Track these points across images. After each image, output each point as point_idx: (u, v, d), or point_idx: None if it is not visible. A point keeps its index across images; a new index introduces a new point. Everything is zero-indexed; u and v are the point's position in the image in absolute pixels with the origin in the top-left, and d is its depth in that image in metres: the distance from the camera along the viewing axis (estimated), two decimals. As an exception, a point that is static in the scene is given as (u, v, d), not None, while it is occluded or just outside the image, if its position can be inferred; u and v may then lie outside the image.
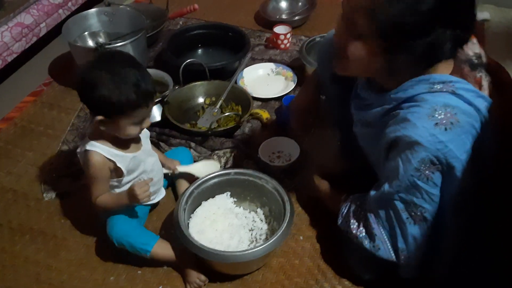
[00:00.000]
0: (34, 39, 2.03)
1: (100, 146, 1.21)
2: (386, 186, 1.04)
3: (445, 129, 0.93)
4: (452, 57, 0.98)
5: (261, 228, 1.36)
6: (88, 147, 1.21)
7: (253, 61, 2.07)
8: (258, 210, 1.41)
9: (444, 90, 0.96)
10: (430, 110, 0.94)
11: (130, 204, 1.24)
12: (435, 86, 0.96)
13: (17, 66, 2.07)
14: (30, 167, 1.64)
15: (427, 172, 0.96)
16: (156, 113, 1.73)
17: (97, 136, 1.22)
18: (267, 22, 2.30)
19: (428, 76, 0.98)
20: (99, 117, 1.16)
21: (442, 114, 0.93)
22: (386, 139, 1.01)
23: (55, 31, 2.11)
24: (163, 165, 1.44)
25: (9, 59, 1.93)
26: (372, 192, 1.10)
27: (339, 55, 1.04)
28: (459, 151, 0.94)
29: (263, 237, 1.33)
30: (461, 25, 0.91)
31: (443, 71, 0.99)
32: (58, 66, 2.12)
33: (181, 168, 1.46)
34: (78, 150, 1.26)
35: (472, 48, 1.03)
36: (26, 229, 1.44)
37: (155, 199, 1.41)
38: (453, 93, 0.95)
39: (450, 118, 0.93)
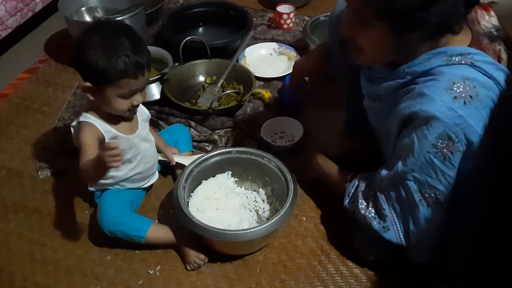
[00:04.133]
0: (30, 14, 1.97)
1: (94, 118, 1.18)
2: (399, 165, 0.99)
3: (464, 102, 0.88)
4: (463, 20, 0.93)
5: (263, 208, 1.32)
6: (82, 118, 1.17)
7: (255, 40, 2.02)
8: (260, 190, 1.37)
9: (463, 62, 0.91)
10: (448, 83, 0.89)
11: (103, 170, 1.08)
12: (453, 59, 0.92)
13: (12, 42, 2.01)
14: (25, 144, 1.60)
15: (444, 150, 0.92)
16: (155, 91, 1.69)
17: (92, 110, 1.19)
18: (269, 1, 2.25)
19: (445, 48, 0.93)
20: (87, 84, 1.13)
21: (461, 87, 0.89)
22: (399, 116, 0.96)
23: (52, 7, 2.06)
24: (160, 152, 1.40)
25: (4, 34, 1.88)
26: (384, 172, 1.05)
27: (353, 47, 1.00)
28: (478, 126, 0.89)
29: (265, 217, 1.29)
30: None
31: (460, 43, 0.94)
32: (54, 43, 2.07)
33: (178, 159, 1.41)
34: (73, 123, 1.21)
35: (491, 21, 0.98)
36: (20, 207, 1.40)
37: (148, 183, 1.37)
38: (472, 65, 0.91)
39: (469, 92, 0.89)
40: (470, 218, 1.00)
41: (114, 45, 1.09)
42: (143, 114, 1.30)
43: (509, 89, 0.92)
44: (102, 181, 1.23)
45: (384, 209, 1.06)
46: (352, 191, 1.15)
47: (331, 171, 1.29)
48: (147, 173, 1.34)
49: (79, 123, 1.18)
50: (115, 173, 1.24)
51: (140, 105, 1.23)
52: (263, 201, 1.35)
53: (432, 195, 0.98)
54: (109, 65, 1.08)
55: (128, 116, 1.23)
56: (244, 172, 1.38)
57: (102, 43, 1.09)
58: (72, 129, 1.22)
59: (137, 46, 1.12)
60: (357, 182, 1.15)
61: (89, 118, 1.17)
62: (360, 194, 1.12)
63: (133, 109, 1.19)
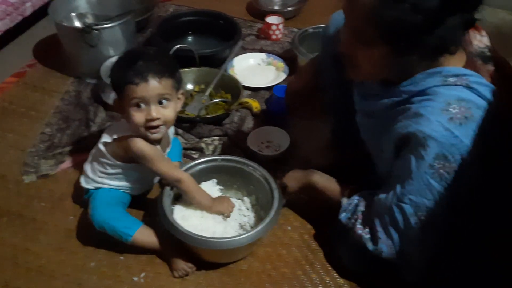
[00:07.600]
0: (19, 18, 1.96)
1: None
2: (398, 188, 1.00)
3: (460, 123, 0.90)
4: (461, 42, 0.95)
5: (248, 217, 1.33)
6: (125, 133, 1.19)
7: (244, 50, 2.04)
8: (245, 198, 1.38)
9: (458, 83, 0.93)
10: (443, 104, 0.91)
11: (208, 208, 1.26)
12: (449, 79, 0.94)
13: (0, 46, 2.00)
14: (10, 148, 1.59)
15: (441, 170, 0.93)
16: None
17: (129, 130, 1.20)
18: (259, 12, 2.27)
19: (441, 68, 0.95)
20: (115, 99, 1.20)
21: (457, 108, 0.91)
22: (396, 135, 0.98)
23: (41, 12, 2.05)
24: None
25: (-8, 37, 1.87)
26: (382, 195, 1.06)
27: (350, 63, 1.01)
28: (473, 147, 0.91)
29: (250, 225, 1.30)
30: (471, 6, 0.88)
31: (456, 64, 0.96)
32: (43, 48, 2.06)
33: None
34: (107, 140, 1.22)
35: (483, 40, 1.00)
36: (4, 212, 1.38)
37: (140, 192, 1.38)
38: (467, 86, 0.93)
39: (464, 113, 0.91)
40: (462, 239, 1.02)
41: (128, 58, 1.15)
42: (168, 141, 1.32)
43: (496, 105, 0.94)
44: (103, 181, 1.27)
45: (378, 231, 1.07)
46: (351, 208, 1.15)
47: (324, 185, 1.26)
48: (147, 187, 1.38)
49: (128, 138, 1.18)
50: (118, 183, 1.29)
51: (170, 132, 1.27)
52: (248, 209, 1.35)
53: (429, 216, 0.98)
54: (115, 74, 1.16)
55: (154, 138, 1.19)
56: (229, 180, 1.38)
57: (117, 61, 1.17)
58: (103, 146, 1.23)
59: (143, 54, 1.14)
60: (356, 201, 1.15)
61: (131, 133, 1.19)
62: (359, 214, 1.13)
63: (152, 126, 1.15)
